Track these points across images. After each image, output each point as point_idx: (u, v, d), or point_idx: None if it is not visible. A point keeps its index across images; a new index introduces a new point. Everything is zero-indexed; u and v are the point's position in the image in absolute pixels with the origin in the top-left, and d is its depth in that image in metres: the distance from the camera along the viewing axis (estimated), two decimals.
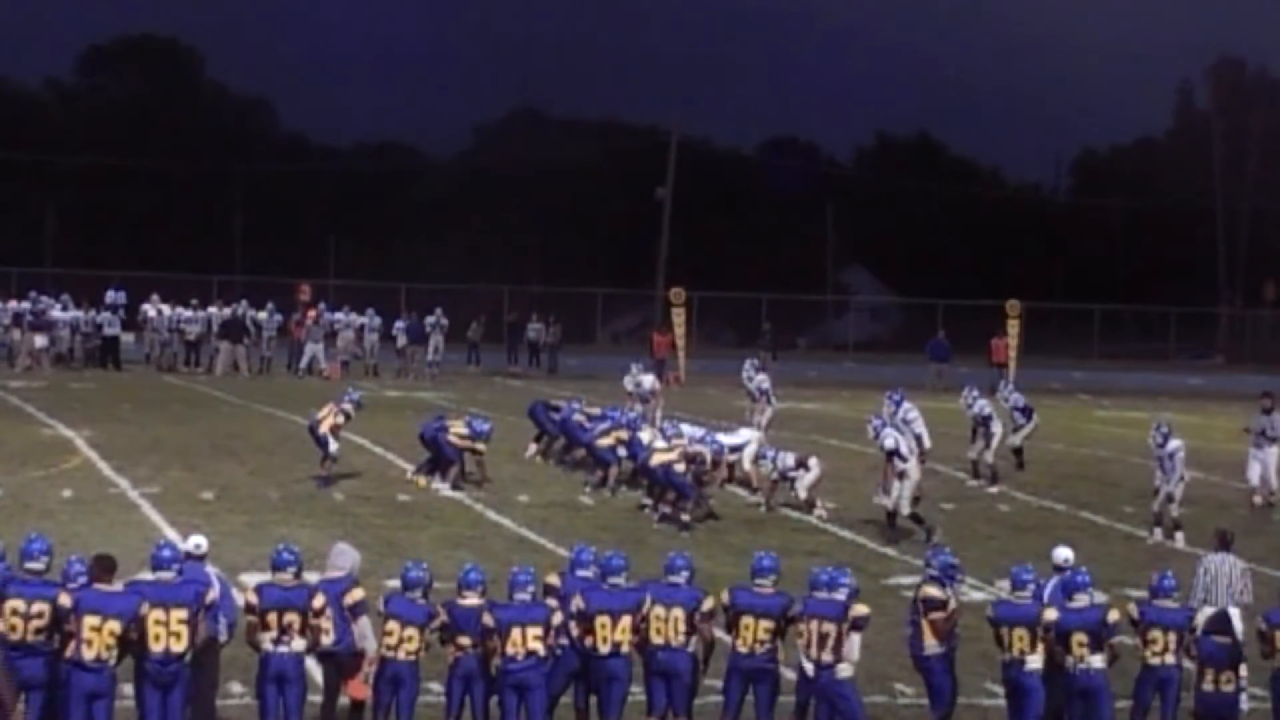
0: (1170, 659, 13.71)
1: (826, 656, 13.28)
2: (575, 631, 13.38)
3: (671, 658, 13.45)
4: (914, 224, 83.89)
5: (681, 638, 13.46)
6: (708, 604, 13.54)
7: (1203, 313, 77.19)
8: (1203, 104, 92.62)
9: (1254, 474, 27.96)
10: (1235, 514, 26.72)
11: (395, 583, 14.01)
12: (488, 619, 12.98)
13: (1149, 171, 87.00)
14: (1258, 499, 27.86)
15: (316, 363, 46.51)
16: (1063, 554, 14.64)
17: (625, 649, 13.36)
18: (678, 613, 13.45)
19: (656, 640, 13.46)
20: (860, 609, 13.45)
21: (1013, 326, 50.88)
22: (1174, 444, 24.32)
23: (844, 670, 13.29)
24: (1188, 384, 54.15)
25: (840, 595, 13.53)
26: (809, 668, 13.37)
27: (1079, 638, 13.55)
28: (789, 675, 13.80)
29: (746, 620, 13.48)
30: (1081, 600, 13.78)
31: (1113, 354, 68.55)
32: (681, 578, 13.68)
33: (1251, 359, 68.57)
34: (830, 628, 13.31)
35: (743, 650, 13.52)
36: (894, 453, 23.03)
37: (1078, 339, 71.46)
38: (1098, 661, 13.55)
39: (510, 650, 12.96)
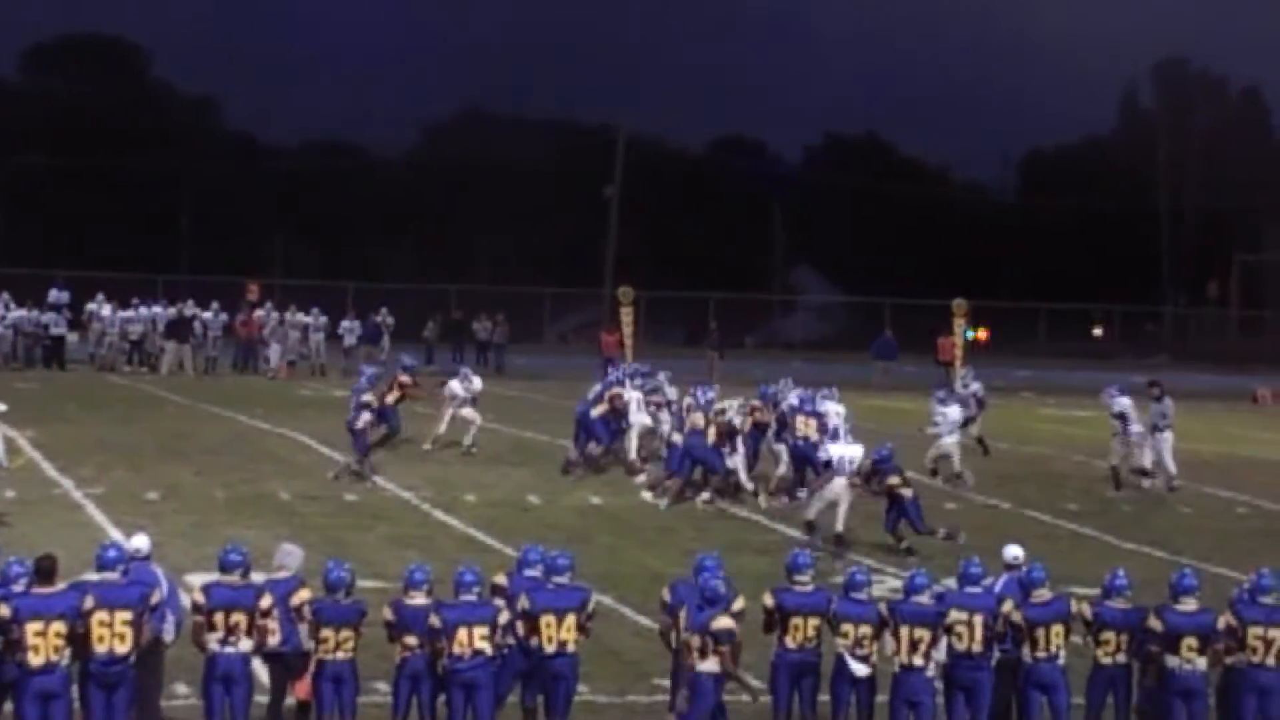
0: (1122, 658, 13.76)
1: (918, 659, 13.36)
2: (521, 631, 13.36)
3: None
4: (862, 223, 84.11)
5: None
6: (738, 604, 13.47)
7: (1147, 311, 77.64)
8: (1147, 103, 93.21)
9: (1147, 459, 28.46)
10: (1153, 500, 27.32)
11: None
12: (434, 619, 12.95)
13: (1094, 170, 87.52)
14: (1146, 483, 28.45)
15: (271, 362, 46.38)
16: (1012, 552, 14.66)
17: (571, 648, 13.34)
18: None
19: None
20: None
21: (959, 325, 51.08)
22: (1123, 401, 27.47)
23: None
24: (1132, 382, 54.33)
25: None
26: (860, 668, 13.44)
27: (1055, 629, 13.63)
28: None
29: (796, 620, 13.49)
30: (1043, 594, 13.86)
31: (1058, 352, 68.90)
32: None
33: (1195, 357, 69.01)
34: (868, 629, 13.44)
35: (792, 647, 13.51)
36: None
37: (1023, 337, 71.80)
38: (1062, 656, 13.65)
39: (457, 650, 12.92)
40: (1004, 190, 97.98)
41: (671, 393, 29.01)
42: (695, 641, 13.09)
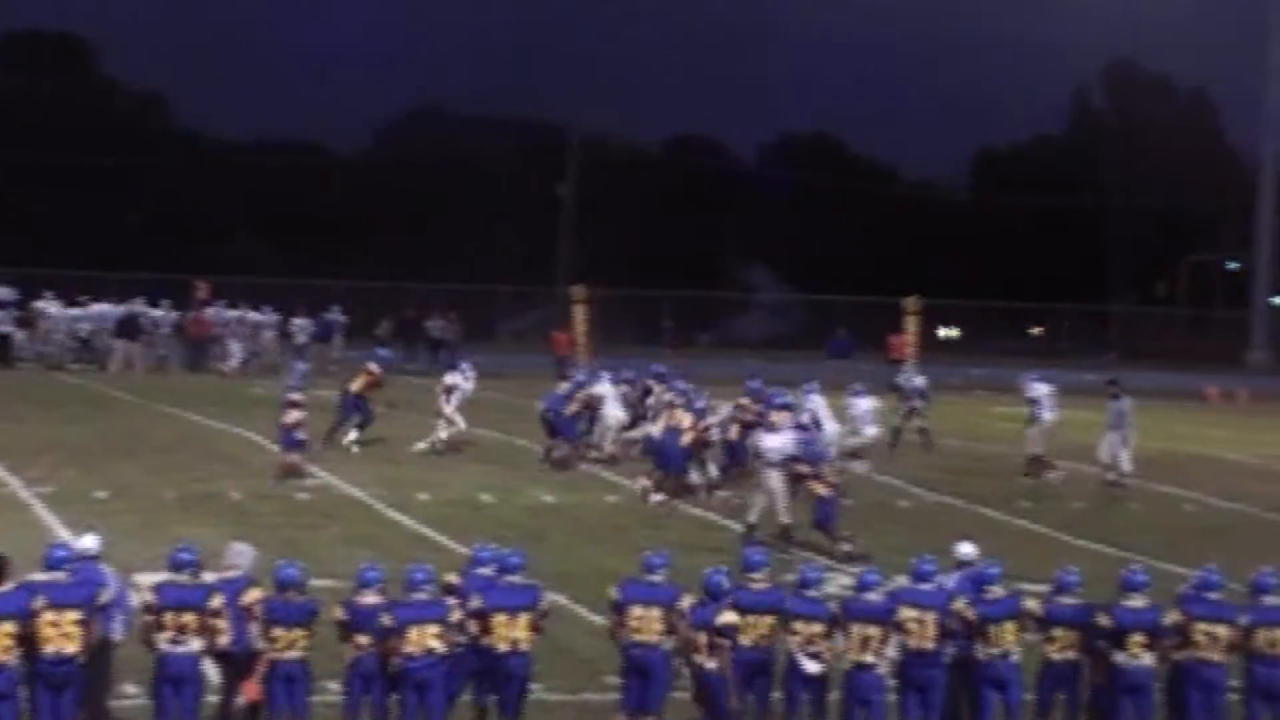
0: (1072, 654, 13.84)
1: (869, 657, 13.42)
2: (474, 630, 13.35)
3: (647, 655, 13.44)
4: (815, 221, 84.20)
5: (658, 636, 13.45)
6: (685, 601, 13.52)
7: (1098, 310, 77.98)
8: (1098, 104, 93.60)
9: (1105, 454, 29.12)
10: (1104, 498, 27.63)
11: None
12: (386, 619, 12.93)
13: (1045, 170, 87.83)
14: (1110, 475, 28.95)
15: (233, 360, 46.23)
16: (965, 549, 14.72)
17: (524, 646, 13.34)
18: (655, 611, 13.44)
19: (635, 638, 13.45)
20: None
21: (911, 323, 51.21)
22: (1039, 388, 29.26)
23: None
24: (1083, 380, 54.61)
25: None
26: (812, 666, 13.48)
27: (1008, 627, 13.70)
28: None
29: (750, 619, 13.53)
30: (996, 591, 13.92)
31: (1009, 351, 69.11)
32: (659, 576, 13.67)
33: (1144, 355, 69.34)
34: (820, 626, 13.47)
35: (746, 645, 13.53)
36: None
37: (975, 336, 72.02)
38: (1015, 653, 13.73)
39: (408, 649, 12.91)
40: (956, 189, 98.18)
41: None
42: (702, 639, 13.13)
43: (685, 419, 26.06)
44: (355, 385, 29.40)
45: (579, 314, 50.77)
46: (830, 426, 27.64)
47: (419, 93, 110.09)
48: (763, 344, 68.81)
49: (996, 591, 13.94)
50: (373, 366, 29.90)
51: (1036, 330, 77.94)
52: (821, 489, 22.25)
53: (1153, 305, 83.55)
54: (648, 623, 13.42)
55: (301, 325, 48.87)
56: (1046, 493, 28.51)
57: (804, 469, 22.37)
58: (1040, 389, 30.05)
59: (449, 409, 29.82)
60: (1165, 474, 30.66)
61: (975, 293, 72.10)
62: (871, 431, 29.50)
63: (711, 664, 13.17)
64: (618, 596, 13.63)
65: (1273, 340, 73.16)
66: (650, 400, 29.24)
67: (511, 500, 25.52)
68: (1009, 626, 13.78)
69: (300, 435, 26.41)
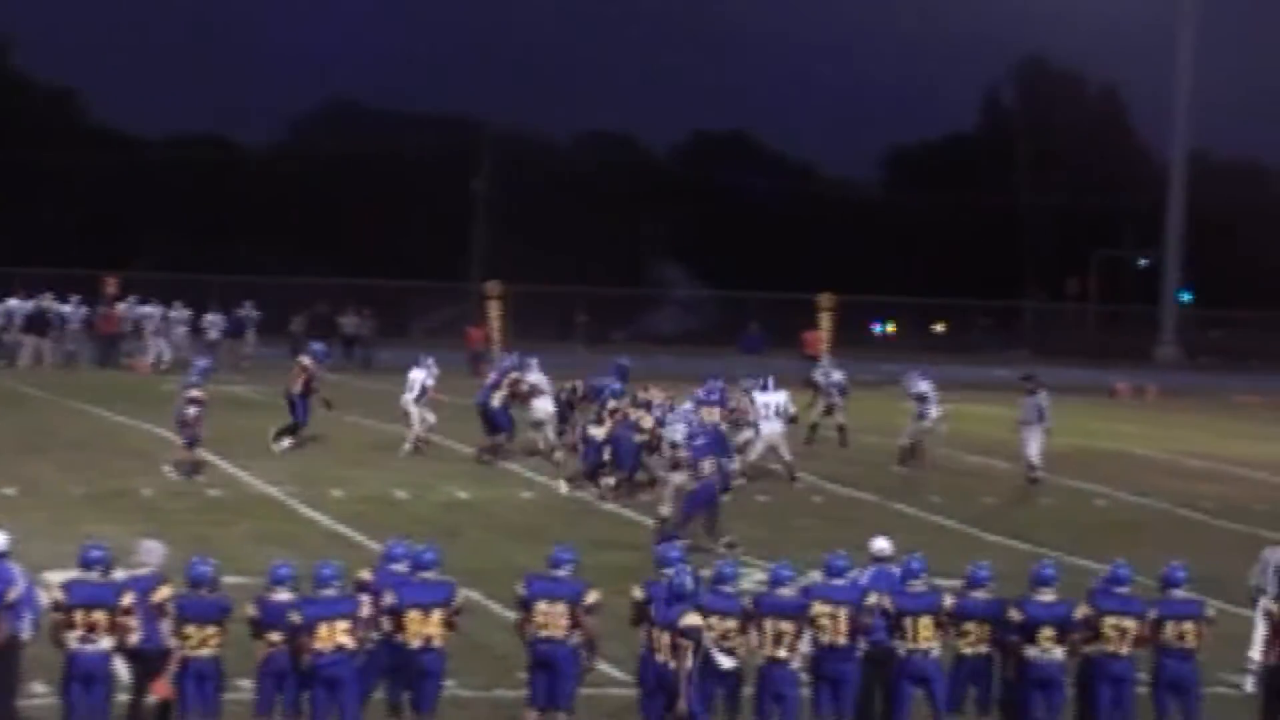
0: (983, 649, 13.93)
1: (783, 652, 13.41)
2: (387, 626, 13.30)
3: (553, 650, 13.42)
4: (729, 218, 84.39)
5: (564, 631, 13.43)
6: (591, 597, 13.52)
7: (1009, 306, 78.53)
8: (1009, 102, 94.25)
9: (1032, 452, 29.19)
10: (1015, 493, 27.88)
11: None
12: (294, 616, 12.87)
13: (958, 168, 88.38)
14: (1038, 474, 29.04)
15: (161, 358, 45.82)
16: (880, 544, 14.76)
17: (437, 643, 13.31)
18: (561, 606, 13.42)
19: (541, 633, 13.43)
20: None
21: (825, 319, 51.43)
22: (923, 385, 29.94)
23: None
24: (994, 376, 55.05)
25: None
26: (726, 662, 13.49)
27: (924, 622, 13.79)
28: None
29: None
30: (917, 586, 13.99)
31: (921, 346, 69.52)
32: (566, 571, 13.64)
33: (1055, 351, 69.89)
34: (734, 622, 13.47)
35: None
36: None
37: (878, 330, 72.40)
38: (936, 648, 13.83)
39: (318, 646, 12.85)
40: (869, 186, 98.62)
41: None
42: (665, 639, 13.13)
43: (645, 420, 25.94)
44: (295, 386, 29.10)
45: (493, 310, 50.71)
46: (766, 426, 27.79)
47: (333, 87, 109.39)
48: (677, 340, 68.93)
49: (918, 586, 14.01)
50: (305, 360, 29.64)
51: (940, 327, 78.18)
52: (690, 482, 22.20)
53: (1063, 301, 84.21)
54: (553, 618, 13.41)
55: (214, 321, 48.53)
56: (958, 488, 28.70)
57: (681, 456, 22.44)
58: (925, 385, 30.27)
59: (416, 406, 29.65)
60: (1076, 469, 30.93)
61: (888, 289, 72.46)
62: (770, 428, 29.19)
63: (675, 663, 13.17)
64: (523, 592, 13.61)
65: (1182, 336, 73.94)
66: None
67: (426, 496, 25.46)
68: (925, 621, 13.85)
69: (198, 431, 26.04)
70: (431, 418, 29.93)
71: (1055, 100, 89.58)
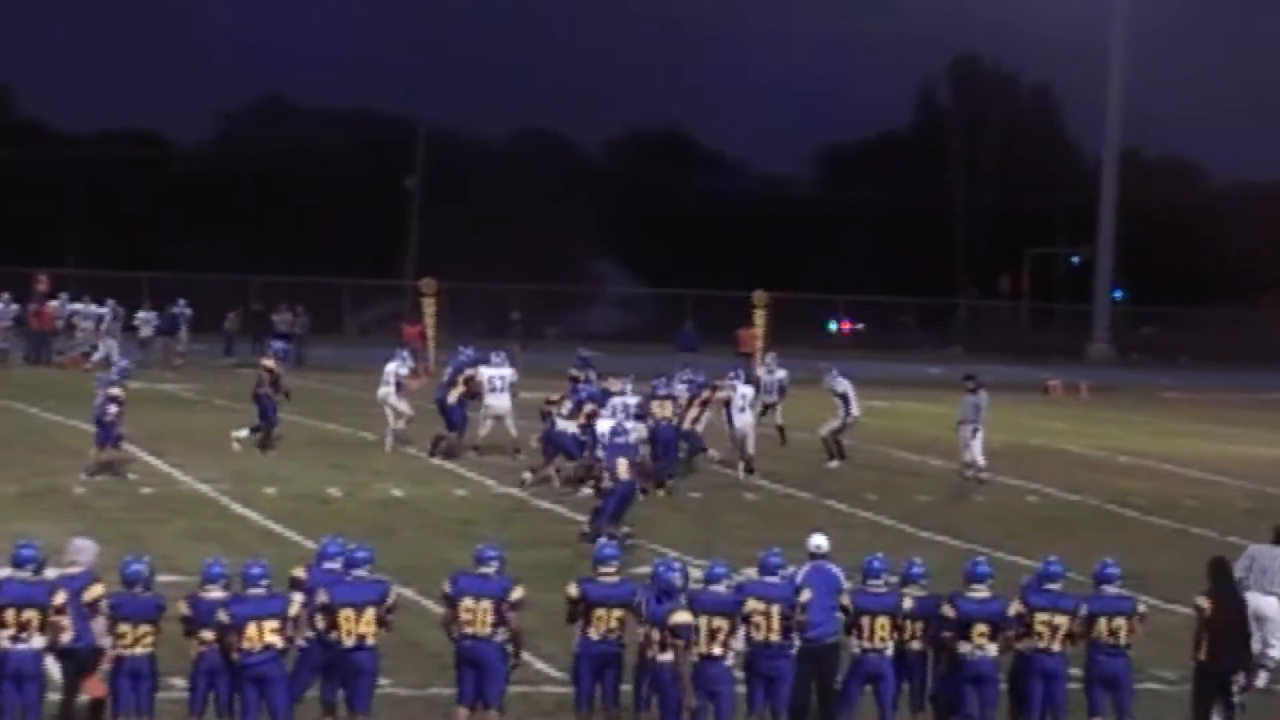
0: (917, 645, 13.99)
1: (716, 649, 13.41)
2: (321, 624, 13.26)
3: (478, 647, 13.40)
4: (663, 215, 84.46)
5: (489, 628, 13.41)
6: (516, 594, 13.51)
7: (942, 304, 78.91)
8: (944, 100, 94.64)
9: (967, 452, 29.21)
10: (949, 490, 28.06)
11: None
12: (222, 615, 12.81)
13: (892, 166, 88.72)
14: (970, 473, 29.07)
15: (111, 358, 45.44)
16: (816, 541, 14.77)
17: (371, 641, 13.27)
18: (487, 603, 13.40)
19: (466, 630, 13.41)
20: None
21: (759, 317, 51.51)
22: (843, 382, 30.21)
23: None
24: (928, 373, 55.36)
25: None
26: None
27: (881, 621, 13.85)
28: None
29: (599, 611, 13.56)
30: (878, 586, 14.04)
31: (856, 344, 69.77)
32: (491, 568, 13.62)
33: (988, 349, 70.27)
34: (721, 621, 13.47)
35: (595, 638, 13.58)
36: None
37: (822, 329, 72.58)
38: (890, 647, 13.89)
39: (247, 645, 12.80)
40: (804, 184, 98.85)
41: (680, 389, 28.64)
42: (655, 635, 13.11)
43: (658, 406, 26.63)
44: (263, 386, 28.88)
45: (428, 307, 50.60)
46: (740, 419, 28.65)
47: (264, 84, 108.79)
48: (611, 337, 68.96)
49: (878, 586, 14.03)
50: (267, 361, 29.47)
51: (856, 325, 78.26)
52: (607, 480, 22.28)
53: (997, 299, 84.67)
54: (479, 615, 13.41)
55: (146, 318, 48.22)
56: (891, 485, 28.82)
57: (598, 455, 22.80)
58: (845, 383, 30.43)
59: (396, 400, 29.57)
60: (1009, 466, 31.08)
61: (822, 286, 72.66)
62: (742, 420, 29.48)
63: (666, 657, 13.16)
64: (449, 589, 13.61)
65: (1114, 333, 74.45)
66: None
67: (359, 494, 25.38)
68: (881, 621, 13.88)
69: (118, 430, 25.80)
70: (407, 409, 29.88)
71: (989, 99, 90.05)
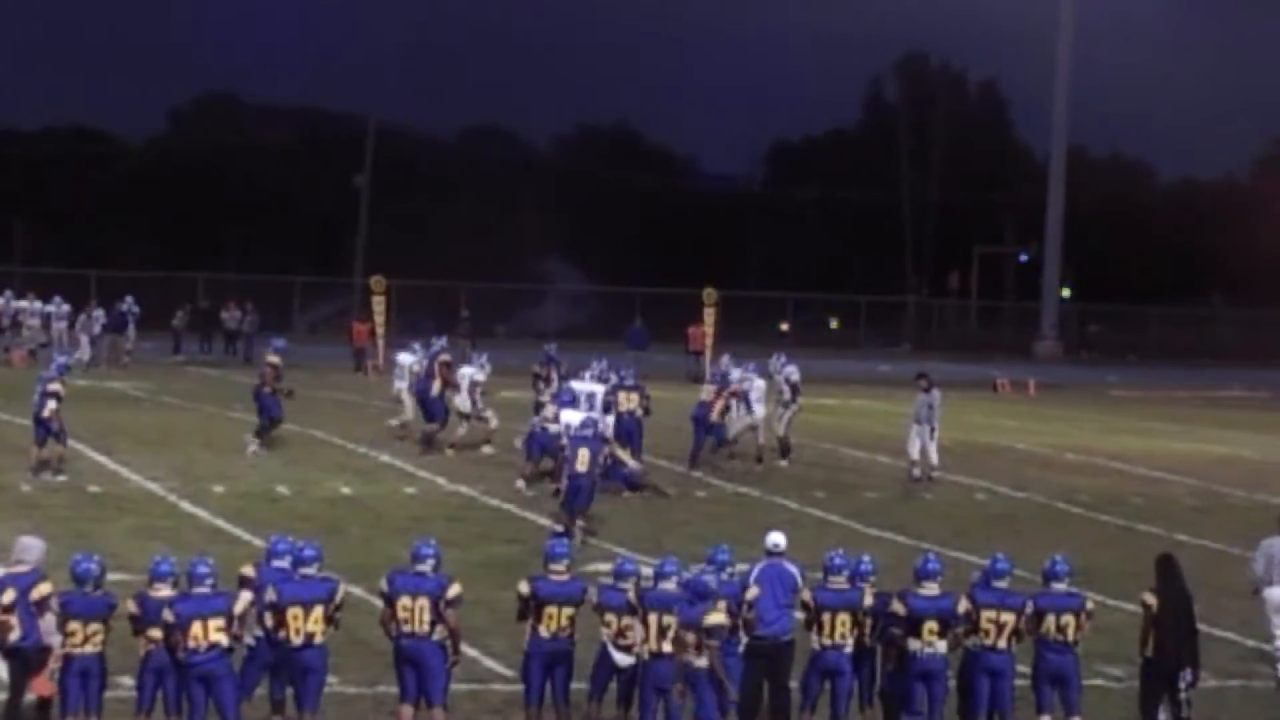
0: (867, 642, 14.05)
1: (666, 646, 13.39)
2: (269, 623, 13.22)
3: (416, 645, 13.38)
4: (612, 213, 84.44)
5: (427, 626, 13.39)
6: (453, 591, 13.49)
7: (891, 301, 79.13)
8: (891, 97, 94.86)
9: (914, 449, 29.18)
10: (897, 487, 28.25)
11: None
12: (167, 613, 12.75)
13: (840, 162, 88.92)
14: (916, 472, 29.09)
15: (96, 359, 45.15)
16: (774, 539, 14.76)
17: (319, 639, 13.23)
18: (423, 601, 13.38)
19: (404, 628, 13.38)
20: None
21: (709, 314, 51.56)
22: (790, 370, 30.11)
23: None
24: (877, 370, 55.54)
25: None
26: (622, 658, 13.56)
27: (842, 618, 13.89)
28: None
29: (550, 609, 13.64)
30: (839, 582, 14.06)
31: (805, 341, 69.90)
32: (428, 566, 13.59)
33: (937, 346, 70.55)
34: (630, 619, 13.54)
35: (546, 636, 13.64)
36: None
37: (772, 327, 72.68)
38: (850, 644, 13.93)
39: (192, 643, 12.75)
40: (752, 181, 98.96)
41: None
42: (690, 638, 13.10)
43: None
44: (266, 384, 28.83)
45: (378, 305, 50.50)
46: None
47: (211, 80, 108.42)
48: (560, 334, 68.95)
49: (839, 582, 14.06)
50: (272, 358, 29.42)
51: (785, 326, 78.41)
52: (565, 472, 22.40)
53: (945, 296, 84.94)
54: (416, 613, 13.39)
55: (95, 316, 47.91)
56: (840, 482, 28.89)
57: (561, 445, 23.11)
58: (796, 372, 30.62)
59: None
60: (957, 463, 31.16)
61: (770, 284, 72.83)
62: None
63: (701, 662, 13.15)
64: (385, 588, 13.58)
65: (1061, 331, 74.78)
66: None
67: (308, 492, 25.30)
68: (843, 618, 13.90)
69: (55, 426, 25.55)
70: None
71: (936, 96, 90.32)
